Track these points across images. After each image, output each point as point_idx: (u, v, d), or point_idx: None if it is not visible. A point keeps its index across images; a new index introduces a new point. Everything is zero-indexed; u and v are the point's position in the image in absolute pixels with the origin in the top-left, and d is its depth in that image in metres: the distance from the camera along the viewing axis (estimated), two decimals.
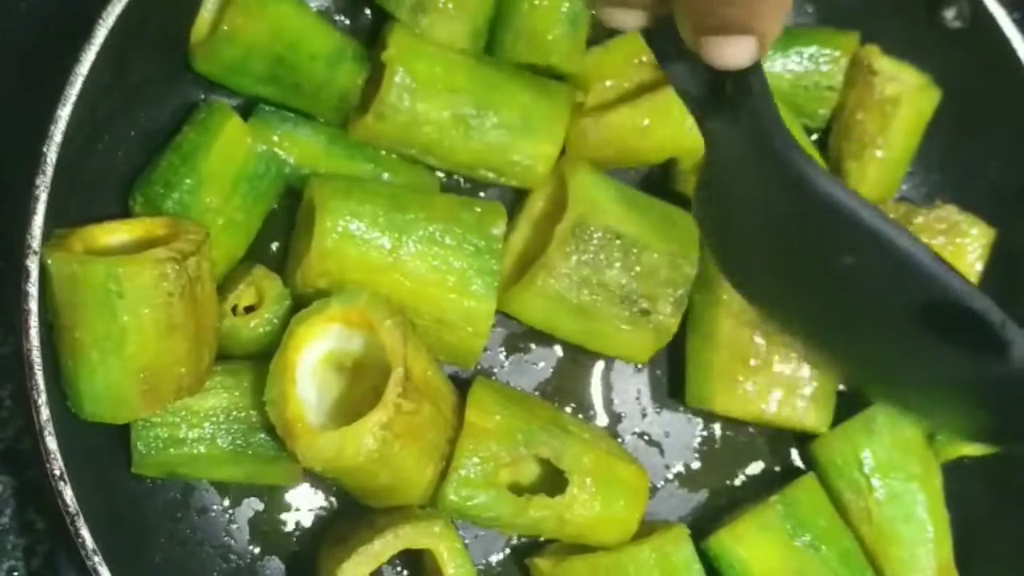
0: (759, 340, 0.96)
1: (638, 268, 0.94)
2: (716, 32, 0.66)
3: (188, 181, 0.90)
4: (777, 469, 1.02)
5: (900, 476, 0.97)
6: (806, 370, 0.97)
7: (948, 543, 0.98)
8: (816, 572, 0.94)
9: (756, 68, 0.68)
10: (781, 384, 0.97)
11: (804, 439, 1.01)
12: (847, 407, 0.99)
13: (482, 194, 1.01)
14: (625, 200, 0.96)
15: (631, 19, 0.72)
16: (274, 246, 0.98)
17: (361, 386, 0.90)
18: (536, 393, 1.00)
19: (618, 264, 0.94)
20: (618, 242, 0.94)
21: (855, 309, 0.72)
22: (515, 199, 1.01)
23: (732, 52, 0.66)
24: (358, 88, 0.97)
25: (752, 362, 0.96)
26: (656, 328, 0.95)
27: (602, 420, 1.00)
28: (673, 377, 1.02)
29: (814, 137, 1.07)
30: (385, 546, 0.87)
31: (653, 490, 0.99)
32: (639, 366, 1.01)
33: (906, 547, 0.97)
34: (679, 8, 0.67)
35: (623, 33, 1.01)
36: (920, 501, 0.97)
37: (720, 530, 0.95)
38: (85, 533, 0.81)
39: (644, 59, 0.98)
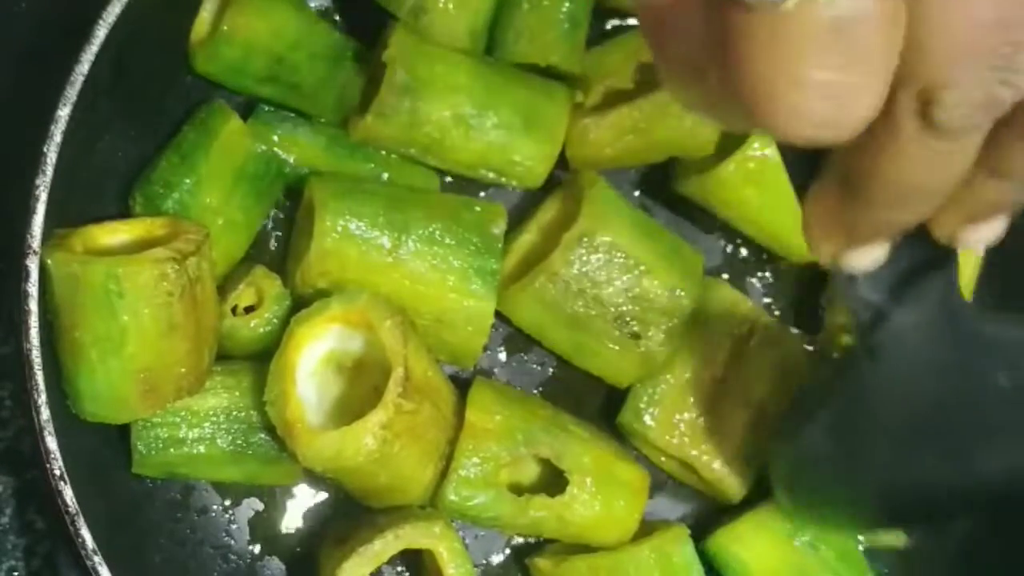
0: (715, 391, 0.95)
1: (637, 290, 0.93)
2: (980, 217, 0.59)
3: (188, 181, 0.90)
4: None
5: None
6: (745, 440, 0.96)
7: None
8: (816, 571, 0.94)
9: None
10: (716, 440, 0.95)
11: None
12: None
13: (482, 194, 1.01)
14: (637, 223, 0.96)
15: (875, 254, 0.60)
16: (274, 246, 0.98)
17: (361, 386, 0.90)
18: (536, 393, 1.00)
19: (618, 282, 0.93)
20: (622, 261, 0.93)
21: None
22: (515, 199, 1.01)
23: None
24: (358, 88, 0.97)
25: (700, 408, 0.95)
26: (643, 354, 0.94)
27: (603, 420, 1.00)
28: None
29: None
30: (385, 546, 0.87)
31: (653, 490, 0.99)
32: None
33: None
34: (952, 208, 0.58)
35: (623, 33, 1.02)
36: None
37: (719, 531, 0.95)
38: (85, 533, 0.81)
39: (644, 59, 0.98)
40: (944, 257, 0.65)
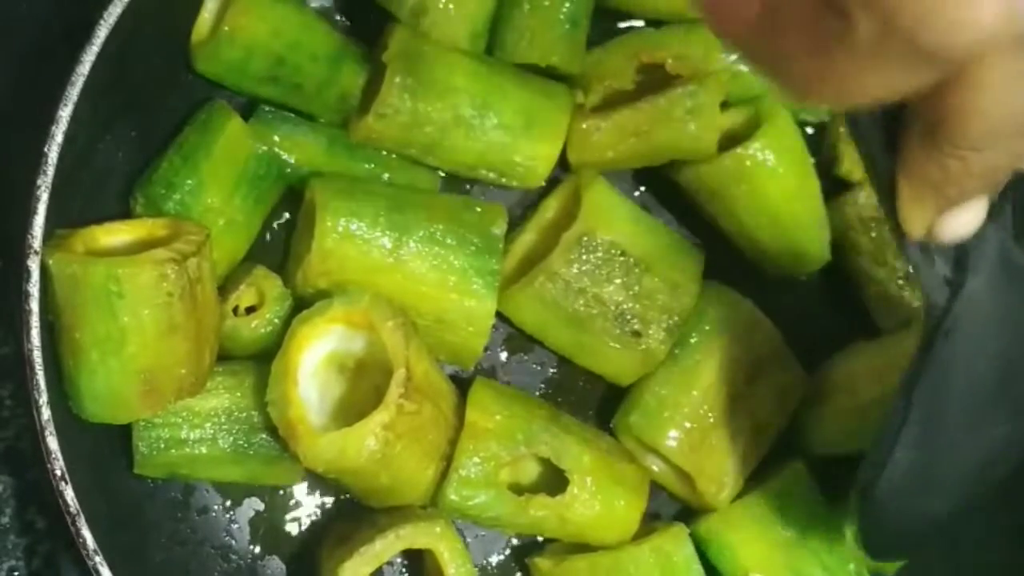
0: (727, 407, 0.95)
1: (637, 288, 0.94)
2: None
3: (189, 182, 0.90)
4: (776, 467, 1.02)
5: None
6: (738, 450, 0.95)
7: None
8: (804, 559, 0.94)
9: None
10: (711, 447, 0.94)
11: (802, 431, 1.01)
12: None
13: (482, 196, 1.01)
14: (636, 221, 0.96)
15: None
16: (275, 246, 0.98)
17: (363, 386, 0.90)
18: (536, 393, 1.00)
19: (618, 281, 0.93)
20: (621, 259, 0.93)
21: None
22: (516, 199, 1.01)
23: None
24: (358, 88, 0.97)
25: (697, 414, 0.94)
26: (644, 352, 0.94)
27: (602, 420, 1.00)
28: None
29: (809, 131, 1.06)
30: (386, 546, 0.87)
31: (653, 490, 0.99)
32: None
33: None
34: None
35: (623, 34, 1.02)
36: None
37: (709, 517, 0.95)
38: (86, 533, 0.81)
39: (644, 60, 0.98)
40: (998, 204, 0.60)
